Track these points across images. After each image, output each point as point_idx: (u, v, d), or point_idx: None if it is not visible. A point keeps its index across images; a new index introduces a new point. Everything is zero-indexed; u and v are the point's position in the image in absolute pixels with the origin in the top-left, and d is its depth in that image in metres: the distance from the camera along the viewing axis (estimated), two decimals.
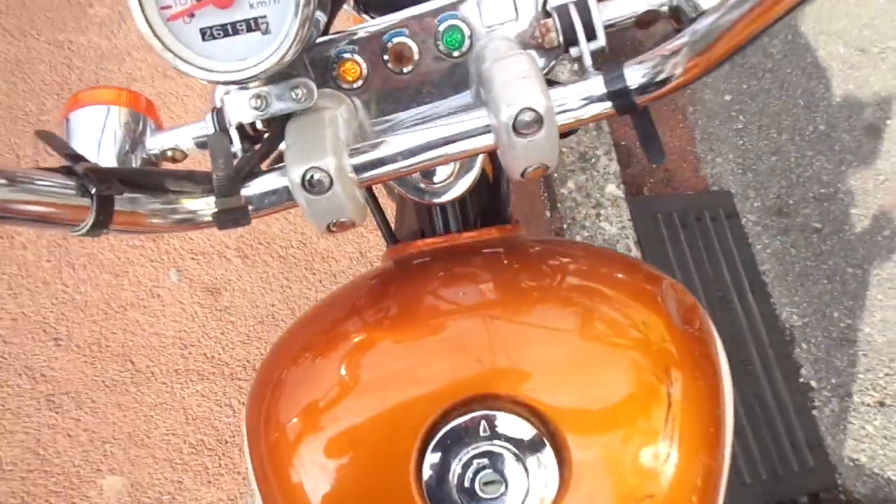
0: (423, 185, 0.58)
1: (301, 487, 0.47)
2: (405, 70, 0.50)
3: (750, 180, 1.93)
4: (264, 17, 0.38)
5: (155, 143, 0.50)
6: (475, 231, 0.60)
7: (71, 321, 1.52)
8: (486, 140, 0.41)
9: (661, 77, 0.41)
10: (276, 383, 0.52)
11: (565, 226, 1.58)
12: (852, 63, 2.05)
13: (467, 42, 0.49)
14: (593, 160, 1.70)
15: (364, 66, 0.50)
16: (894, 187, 1.95)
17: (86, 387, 1.47)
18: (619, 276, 0.54)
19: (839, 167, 1.98)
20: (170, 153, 0.50)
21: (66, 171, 0.38)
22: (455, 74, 0.50)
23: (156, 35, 0.38)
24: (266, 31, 0.38)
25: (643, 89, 0.41)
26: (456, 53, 0.49)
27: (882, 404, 1.75)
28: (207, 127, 0.47)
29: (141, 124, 0.50)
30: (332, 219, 0.41)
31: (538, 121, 0.39)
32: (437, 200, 0.59)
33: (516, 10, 0.48)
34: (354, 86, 0.50)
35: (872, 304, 1.85)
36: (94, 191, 0.37)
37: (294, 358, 0.53)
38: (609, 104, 0.42)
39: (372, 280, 0.58)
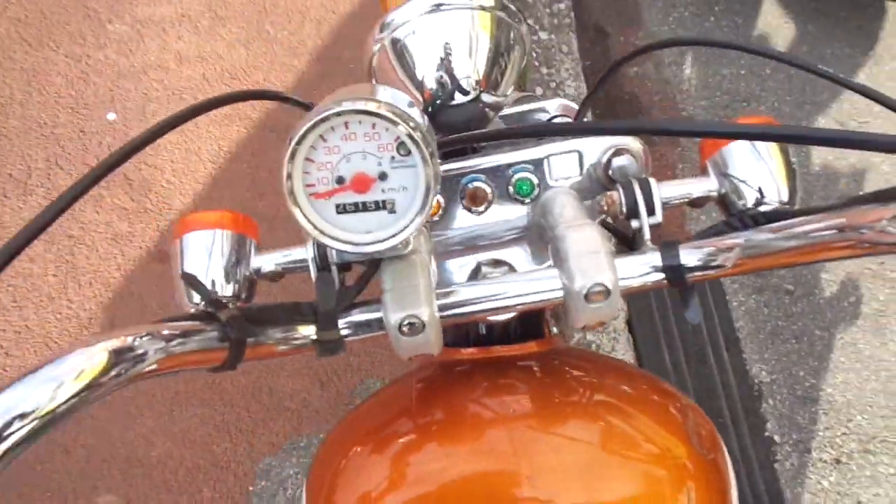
0: None
1: None
2: (479, 210, 0.57)
3: None
4: (393, 200, 0.44)
5: (258, 263, 0.55)
6: (517, 345, 0.65)
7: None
8: (557, 297, 0.47)
9: (711, 264, 0.47)
10: (335, 471, 0.57)
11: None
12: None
13: (535, 191, 0.56)
14: None
15: (442, 202, 0.57)
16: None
17: None
18: (647, 396, 0.59)
19: None
20: (269, 274, 0.56)
21: (210, 318, 0.43)
22: (517, 216, 0.57)
23: (298, 206, 0.43)
24: (392, 211, 0.44)
25: (694, 269, 0.47)
26: (526, 200, 0.57)
27: (838, 462, 1.87)
28: (309, 260, 0.51)
29: (244, 244, 0.55)
30: (417, 352, 0.47)
31: (606, 293, 0.45)
32: (492, 320, 0.64)
33: (581, 167, 0.56)
34: (432, 220, 0.57)
35: (836, 365, 1.97)
36: (233, 336, 0.43)
37: (349, 450, 0.58)
38: (663, 277, 0.48)
39: (420, 383, 0.63)
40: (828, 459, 1.87)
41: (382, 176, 0.43)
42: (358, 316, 0.48)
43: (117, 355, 0.36)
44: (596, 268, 0.45)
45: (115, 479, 1.46)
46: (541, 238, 0.53)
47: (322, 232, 0.44)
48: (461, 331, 0.69)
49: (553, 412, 0.55)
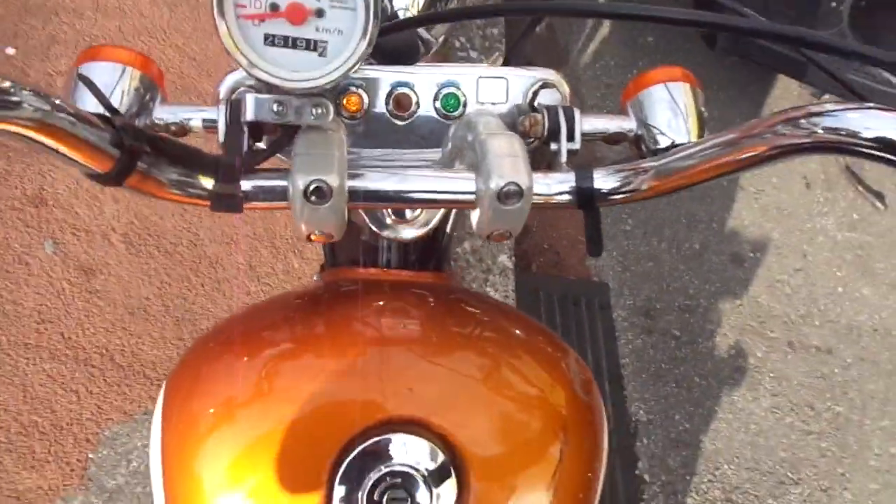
0: (388, 220, 0.63)
1: (205, 482, 0.49)
2: (402, 116, 0.56)
3: (627, 279, 2.09)
4: (325, 42, 0.42)
5: (162, 114, 0.52)
6: (412, 271, 0.65)
7: None
8: (469, 199, 0.46)
9: (624, 188, 0.49)
10: (197, 374, 0.54)
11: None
12: (731, 196, 2.29)
13: (461, 109, 0.56)
14: None
15: (366, 102, 0.55)
16: (746, 312, 2.16)
17: None
18: (533, 339, 0.60)
19: (704, 284, 2.18)
20: (173, 127, 0.53)
21: (105, 120, 0.41)
22: (440, 135, 0.57)
23: (225, 23, 0.41)
24: (322, 54, 0.42)
25: (606, 194, 0.49)
26: (451, 115, 0.56)
27: None
28: (219, 114, 0.49)
29: (150, 90, 0.52)
30: (318, 229, 0.45)
31: (519, 194, 0.44)
32: (394, 236, 0.63)
33: (507, 95, 0.56)
34: (354, 117, 0.55)
35: (710, 413, 2.03)
36: (126, 144, 0.40)
37: (219, 353, 0.55)
38: (574, 198, 0.49)
39: (306, 296, 0.61)
40: None
41: (319, 13, 0.42)
42: (262, 180, 0.46)
43: None
44: (513, 169, 0.45)
45: None
46: (459, 158, 0.53)
47: (246, 57, 0.42)
48: (359, 254, 0.67)
49: (440, 340, 0.55)
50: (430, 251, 0.67)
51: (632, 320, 2.04)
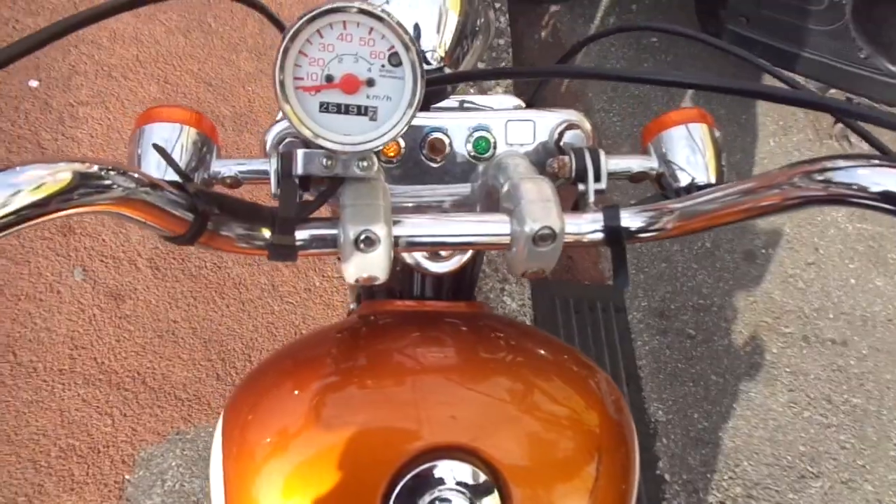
0: (424, 255, 0.66)
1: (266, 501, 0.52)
2: (436, 159, 0.60)
3: (641, 281, 2.11)
4: (375, 108, 0.45)
5: (219, 167, 0.56)
6: (446, 302, 0.68)
7: None
8: (504, 241, 0.50)
9: (650, 227, 0.51)
10: (253, 406, 0.57)
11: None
12: None
13: (491, 150, 0.59)
14: None
15: (404, 147, 0.59)
16: (760, 309, 2.18)
17: None
18: (565, 363, 0.63)
19: (718, 283, 2.20)
20: (228, 179, 0.56)
21: (179, 187, 0.43)
22: (469, 172, 0.60)
23: (285, 95, 0.44)
24: (372, 119, 0.45)
25: (632, 232, 0.51)
26: (482, 158, 0.60)
27: None
28: (271, 167, 0.51)
29: (206, 146, 0.55)
30: (366, 273, 0.48)
31: (552, 237, 0.47)
32: (429, 270, 0.66)
33: (534, 136, 0.60)
34: (391, 161, 0.59)
35: (728, 411, 2.05)
36: (200, 209, 0.43)
37: (271, 386, 0.58)
38: (602, 236, 0.52)
39: (346, 330, 0.64)
40: (713, 502, 1.92)
41: (370, 82, 0.45)
42: (314, 230, 0.49)
43: (82, 178, 0.35)
44: (546, 213, 0.48)
45: None
46: (489, 197, 0.56)
47: (310, 130, 0.45)
48: (394, 286, 0.71)
49: (478, 367, 0.58)
50: (462, 282, 0.70)
51: (647, 322, 2.07)
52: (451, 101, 0.68)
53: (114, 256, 1.58)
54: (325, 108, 0.45)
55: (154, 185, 0.40)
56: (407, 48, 0.43)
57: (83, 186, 0.35)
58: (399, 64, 0.44)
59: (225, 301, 1.60)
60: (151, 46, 1.84)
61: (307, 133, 0.45)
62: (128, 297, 1.55)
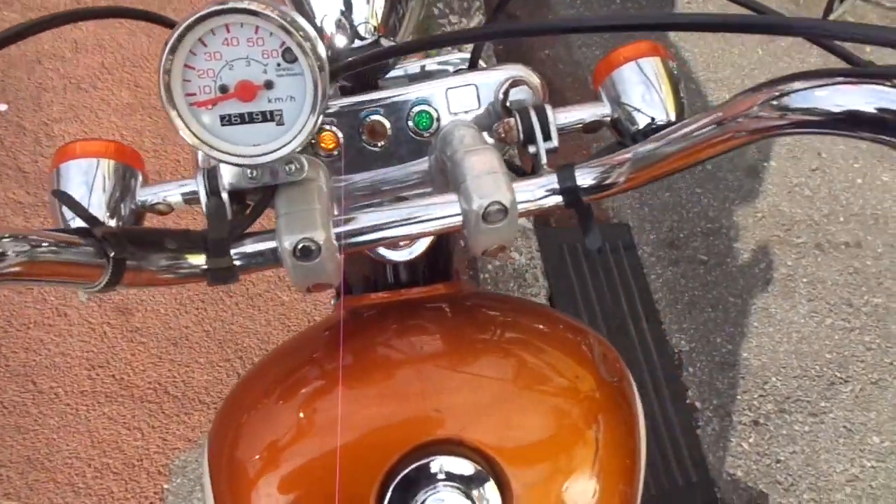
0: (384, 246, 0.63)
1: None
2: (378, 144, 0.56)
3: (646, 214, 2.08)
4: (280, 111, 0.42)
5: (144, 195, 0.53)
6: (424, 287, 0.65)
7: None
8: (456, 222, 0.47)
9: (606, 182, 0.48)
10: (238, 424, 0.55)
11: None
12: None
13: (435, 124, 0.56)
14: None
15: (341, 137, 0.55)
16: (770, 223, 2.15)
17: None
18: (552, 330, 0.60)
19: (723, 204, 2.17)
20: (159, 206, 0.53)
21: (85, 234, 0.40)
22: (421, 150, 0.56)
23: (180, 117, 0.41)
24: (280, 123, 0.42)
25: (590, 190, 0.48)
26: (426, 134, 0.56)
27: (756, 423, 1.93)
28: (198, 186, 0.48)
29: (128, 176, 0.52)
30: (314, 281, 0.45)
31: (503, 211, 0.45)
32: (394, 259, 0.64)
33: (479, 100, 0.56)
34: (332, 154, 0.55)
35: (750, 331, 2.04)
36: (112, 254, 0.40)
37: (255, 402, 0.56)
38: (560, 199, 0.48)
39: (326, 330, 0.62)
40: (746, 422, 1.93)
41: (269, 84, 0.41)
42: (251, 246, 0.46)
43: None
44: (493, 187, 0.45)
45: (15, 485, 1.37)
46: (442, 173, 0.53)
47: (205, 143, 0.42)
48: (369, 278, 0.68)
49: (462, 351, 0.56)
50: (437, 263, 0.67)
51: (658, 254, 2.04)
52: (399, 70, 0.64)
53: None
54: (226, 120, 0.42)
55: (56, 241, 0.37)
56: (299, 43, 0.39)
57: None
58: (295, 59, 0.41)
59: (234, 299, 1.59)
60: (116, 51, 1.80)
61: (210, 152, 0.42)
62: (135, 310, 1.54)
